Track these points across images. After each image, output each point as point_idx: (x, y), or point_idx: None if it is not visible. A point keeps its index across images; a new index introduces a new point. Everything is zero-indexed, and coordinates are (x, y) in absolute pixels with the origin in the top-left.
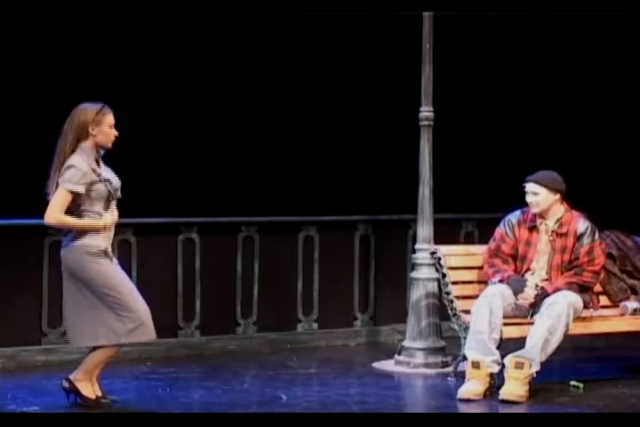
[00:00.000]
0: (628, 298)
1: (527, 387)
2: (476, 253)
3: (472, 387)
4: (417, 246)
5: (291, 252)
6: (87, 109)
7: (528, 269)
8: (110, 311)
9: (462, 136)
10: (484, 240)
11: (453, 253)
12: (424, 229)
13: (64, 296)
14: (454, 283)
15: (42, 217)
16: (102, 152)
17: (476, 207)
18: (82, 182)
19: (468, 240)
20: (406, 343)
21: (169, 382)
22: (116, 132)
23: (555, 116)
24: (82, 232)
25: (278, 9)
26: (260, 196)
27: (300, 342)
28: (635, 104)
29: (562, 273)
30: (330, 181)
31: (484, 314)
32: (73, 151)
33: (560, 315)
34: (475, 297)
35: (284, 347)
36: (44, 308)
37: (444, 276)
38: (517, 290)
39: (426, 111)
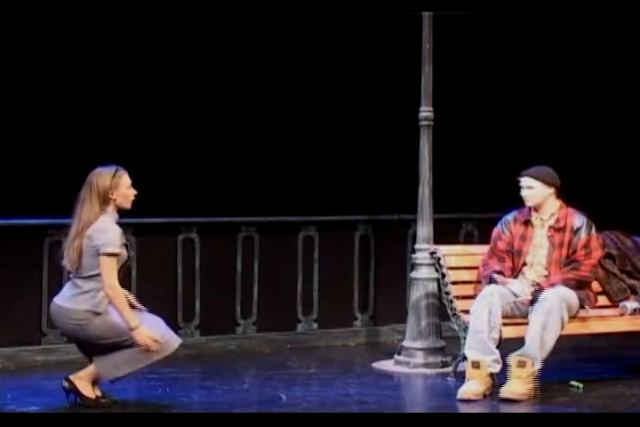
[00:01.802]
0: (627, 298)
1: (531, 385)
2: (475, 253)
3: (472, 387)
4: (417, 246)
5: (290, 252)
6: (103, 175)
7: (525, 264)
8: (130, 346)
9: (462, 136)
10: (483, 240)
11: (453, 253)
12: (424, 229)
13: (83, 347)
14: (454, 283)
15: (42, 217)
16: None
17: (475, 207)
18: (119, 244)
19: (468, 240)
20: (406, 343)
21: (168, 382)
22: (134, 191)
23: (555, 116)
24: (86, 292)
25: (278, 9)
26: (259, 196)
27: (299, 342)
28: (633, 105)
29: (561, 268)
30: (329, 181)
31: (483, 313)
32: (97, 216)
33: (552, 309)
34: (474, 297)
35: (283, 347)
36: (43, 308)
37: (443, 276)
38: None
39: (425, 111)
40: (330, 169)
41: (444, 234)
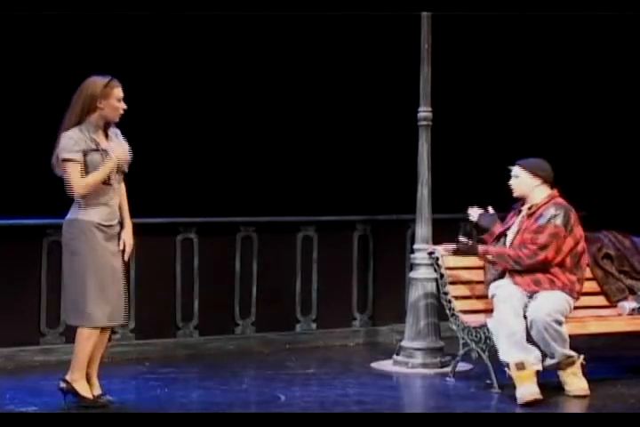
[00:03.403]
0: (625, 298)
1: (584, 378)
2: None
3: (529, 389)
4: (415, 246)
5: (289, 252)
6: (95, 82)
7: None
8: (87, 294)
9: (461, 136)
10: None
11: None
12: (422, 229)
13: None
14: (452, 283)
15: (40, 217)
16: (113, 126)
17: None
18: (76, 150)
19: None
20: (405, 343)
21: (167, 382)
22: (124, 106)
23: (554, 117)
24: (83, 208)
25: (278, 9)
26: (258, 196)
27: (298, 342)
28: (633, 106)
29: None
30: (328, 181)
31: (510, 315)
32: (79, 123)
33: (546, 327)
34: (472, 297)
35: (282, 347)
36: (42, 308)
37: (442, 276)
38: (488, 223)
39: (424, 111)
40: (328, 169)
41: (442, 234)
